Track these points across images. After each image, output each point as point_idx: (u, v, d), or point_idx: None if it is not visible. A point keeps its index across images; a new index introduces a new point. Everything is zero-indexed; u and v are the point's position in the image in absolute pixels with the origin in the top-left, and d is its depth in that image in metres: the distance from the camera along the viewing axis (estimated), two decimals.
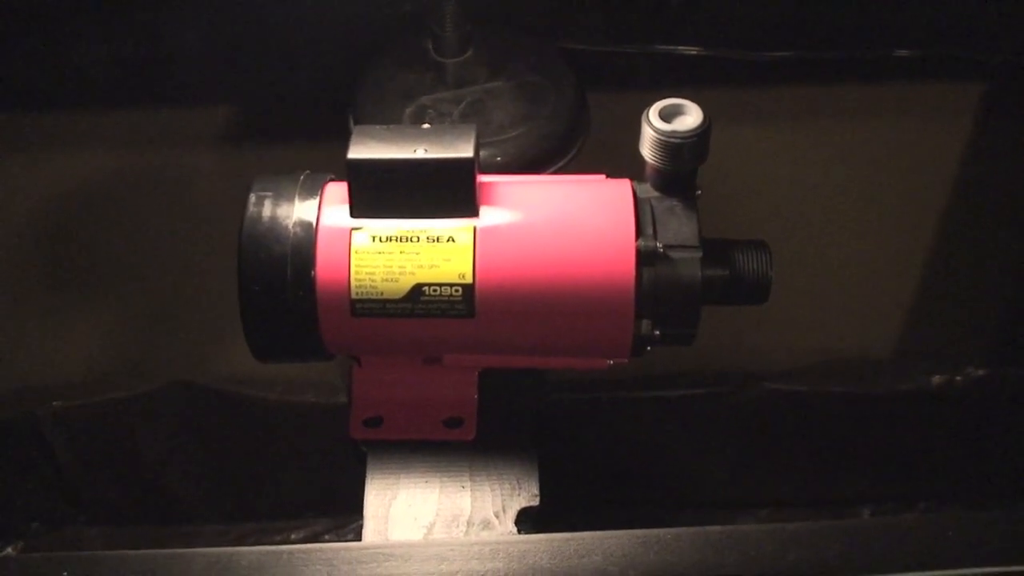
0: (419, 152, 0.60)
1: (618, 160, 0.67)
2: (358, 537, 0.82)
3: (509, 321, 0.61)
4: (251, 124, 0.98)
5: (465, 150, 0.60)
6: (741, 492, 1.18)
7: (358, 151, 0.61)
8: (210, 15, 0.90)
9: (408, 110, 0.79)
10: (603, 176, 0.65)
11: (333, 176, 0.65)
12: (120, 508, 1.17)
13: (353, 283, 0.60)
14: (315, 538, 1.20)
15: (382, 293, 0.61)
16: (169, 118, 0.98)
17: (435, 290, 0.60)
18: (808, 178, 1.01)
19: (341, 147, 0.62)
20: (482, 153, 0.70)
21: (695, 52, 0.92)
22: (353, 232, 0.61)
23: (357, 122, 0.81)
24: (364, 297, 0.61)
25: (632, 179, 0.65)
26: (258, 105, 0.97)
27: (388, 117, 0.79)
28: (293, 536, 1.20)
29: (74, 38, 0.93)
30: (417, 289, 0.60)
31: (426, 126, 0.63)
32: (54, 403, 1.06)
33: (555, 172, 0.79)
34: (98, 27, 0.90)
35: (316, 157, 0.77)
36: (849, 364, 1.12)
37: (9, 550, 1.12)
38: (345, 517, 1.19)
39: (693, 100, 0.63)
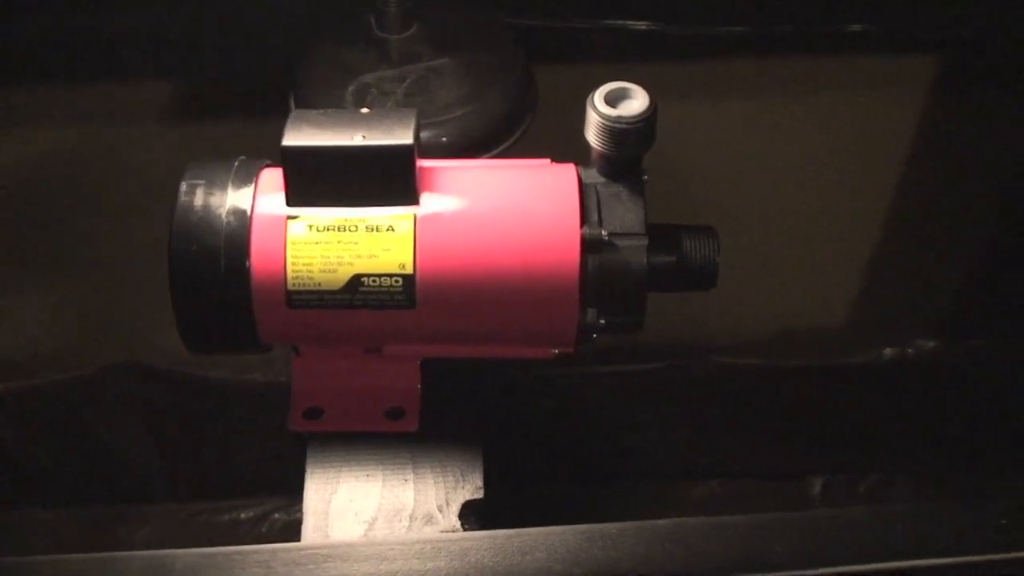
0: (357, 139, 0.59)
1: (566, 139, 0.65)
2: None
3: (451, 311, 0.60)
4: (196, 100, 0.95)
5: (404, 136, 0.59)
6: (694, 464, 1.18)
7: (293, 138, 0.59)
8: None
9: (350, 88, 0.77)
10: (548, 161, 0.63)
11: (269, 162, 0.63)
12: (70, 489, 1.15)
13: (289, 274, 0.59)
14: (265, 517, 1.18)
15: (319, 284, 0.59)
16: (113, 94, 0.96)
17: (374, 281, 0.59)
18: (760, 152, 1.01)
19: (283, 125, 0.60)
20: (426, 134, 0.69)
21: (644, 27, 0.90)
22: (289, 221, 0.59)
23: (298, 100, 0.79)
24: (301, 288, 0.59)
25: (578, 163, 0.63)
26: (203, 80, 0.95)
27: (330, 95, 0.77)
28: (243, 515, 1.18)
29: (18, 12, 0.90)
30: (356, 280, 0.59)
31: (365, 110, 0.61)
32: None
33: (502, 152, 0.78)
34: (43, 1, 0.88)
35: (261, 132, 0.74)
36: (801, 337, 1.11)
37: None
38: (295, 496, 1.18)
39: (642, 76, 0.62)
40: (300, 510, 1.19)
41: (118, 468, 1.14)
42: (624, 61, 0.89)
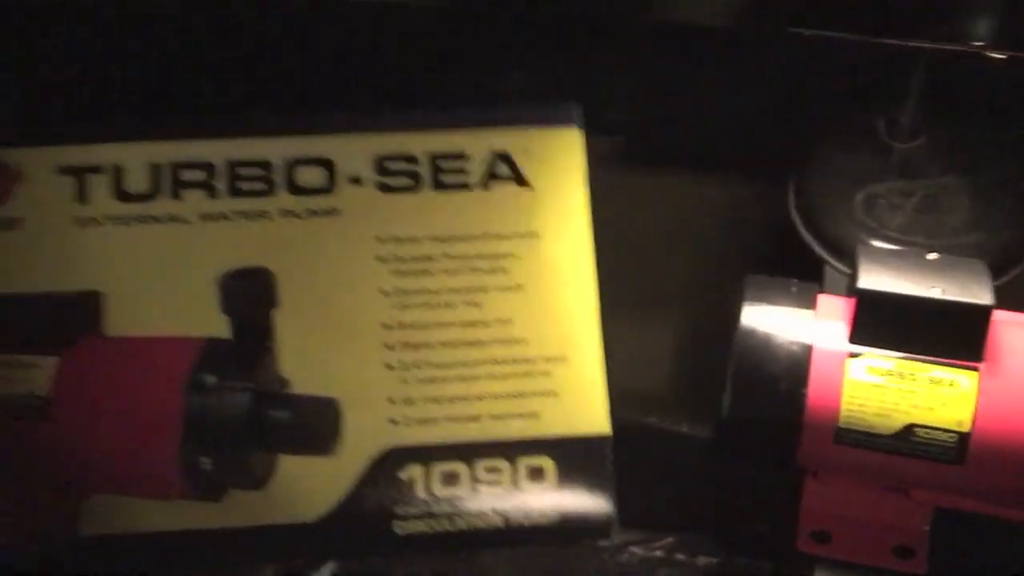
0: (934, 291, 0.59)
1: None
2: None
3: (997, 473, 0.59)
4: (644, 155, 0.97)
5: (984, 296, 0.59)
6: None
7: (870, 280, 0.60)
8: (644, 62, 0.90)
9: (858, 197, 0.77)
10: None
11: (819, 288, 0.64)
12: None
13: (843, 412, 0.60)
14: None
15: (871, 426, 0.60)
16: None
17: (927, 433, 0.59)
18: None
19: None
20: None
21: None
22: (850, 360, 0.60)
23: (799, 196, 0.80)
24: (851, 427, 0.60)
25: None
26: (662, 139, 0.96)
27: (835, 199, 0.78)
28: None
29: None
30: (908, 429, 0.59)
31: (931, 256, 0.62)
32: None
33: (1000, 286, 0.75)
34: None
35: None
36: None
37: None
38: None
39: None
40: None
41: None
42: None
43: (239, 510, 0.53)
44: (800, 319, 0.62)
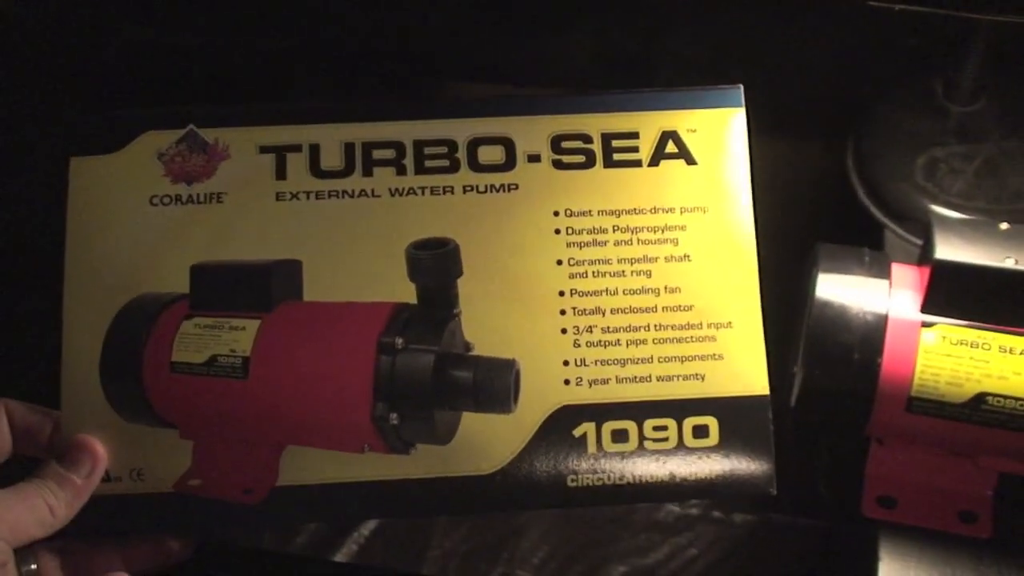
0: (1008, 261, 0.60)
1: None
2: None
3: None
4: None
5: None
6: None
7: (946, 251, 0.60)
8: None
9: (919, 161, 0.77)
10: None
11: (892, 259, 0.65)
12: None
13: (916, 381, 0.61)
14: None
15: (943, 395, 0.61)
16: None
17: (999, 401, 0.60)
18: None
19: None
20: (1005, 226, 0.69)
21: None
22: (924, 329, 0.61)
23: (858, 160, 0.80)
24: (923, 396, 0.61)
25: None
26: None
27: (895, 163, 0.78)
28: None
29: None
30: (979, 397, 0.60)
31: (1004, 226, 0.62)
32: None
33: None
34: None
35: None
36: None
37: None
38: None
39: None
40: None
41: None
42: None
43: (424, 462, 0.56)
44: (874, 289, 0.62)
